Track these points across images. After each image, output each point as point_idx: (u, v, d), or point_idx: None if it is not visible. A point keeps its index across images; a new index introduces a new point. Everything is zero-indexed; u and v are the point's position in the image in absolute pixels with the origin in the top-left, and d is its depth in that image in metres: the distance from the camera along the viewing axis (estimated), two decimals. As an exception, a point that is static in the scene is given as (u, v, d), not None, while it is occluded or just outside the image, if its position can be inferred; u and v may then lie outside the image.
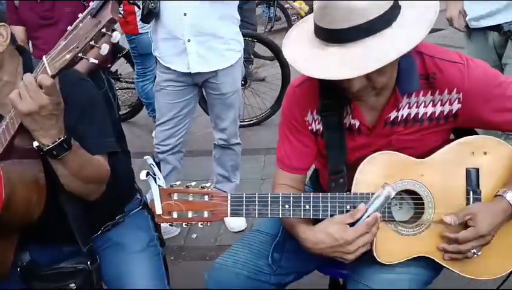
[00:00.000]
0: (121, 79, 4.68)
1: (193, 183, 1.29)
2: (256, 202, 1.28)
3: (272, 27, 6.40)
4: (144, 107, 4.32)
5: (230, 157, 2.78)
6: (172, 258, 2.68)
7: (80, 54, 1.07)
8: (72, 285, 1.44)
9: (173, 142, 2.60)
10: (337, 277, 1.75)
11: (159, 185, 1.28)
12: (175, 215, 1.29)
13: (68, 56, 1.08)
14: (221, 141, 2.70)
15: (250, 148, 3.73)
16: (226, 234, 2.82)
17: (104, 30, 1.04)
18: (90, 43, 1.05)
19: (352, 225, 1.25)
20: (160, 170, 1.48)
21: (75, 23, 1.07)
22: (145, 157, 1.30)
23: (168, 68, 2.46)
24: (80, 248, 1.44)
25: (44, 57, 1.12)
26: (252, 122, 4.24)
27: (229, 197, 1.28)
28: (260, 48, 5.33)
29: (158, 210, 1.28)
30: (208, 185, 1.29)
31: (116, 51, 2.77)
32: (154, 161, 1.31)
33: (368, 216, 1.25)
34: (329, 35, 1.14)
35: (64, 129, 1.21)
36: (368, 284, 1.34)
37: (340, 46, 1.13)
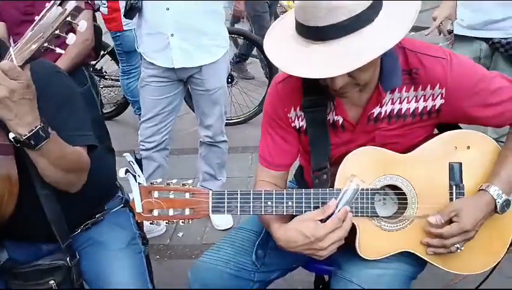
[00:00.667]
0: (106, 76, 4.65)
1: (174, 181, 1.27)
2: (238, 198, 1.27)
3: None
4: (130, 105, 4.29)
5: (216, 155, 2.76)
6: (158, 257, 2.66)
7: (46, 44, 1.05)
8: (52, 282, 1.41)
9: (158, 139, 2.58)
10: (322, 274, 1.74)
11: (139, 183, 1.26)
12: (156, 213, 1.27)
13: (34, 46, 1.05)
14: (206, 138, 2.68)
15: (237, 146, 3.72)
16: (212, 232, 2.81)
17: (69, 19, 1.02)
18: (56, 32, 1.03)
19: (325, 220, 1.23)
20: (141, 168, 1.45)
21: (42, 13, 1.04)
22: (124, 155, 1.27)
23: (152, 64, 2.44)
24: (59, 246, 1.41)
25: (11, 48, 1.10)
26: (239, 120, 4.22)
27: (210, 195, 1.26)
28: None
29: (138, 208, 1.26)
30: (189, 182, 1.27)
31: (99, 47, 2.72)
32: (135, 158, 1.28)
33: (339, 211, 1.23)
34: (311, 33, 1.12)
35: (40, 118, 1.17)
36: (351, 279, 1.33)
37: (322, 44, 1.11)
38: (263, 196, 1.28)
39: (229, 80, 4.15)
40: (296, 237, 1.24)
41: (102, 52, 4.41)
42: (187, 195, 1.26)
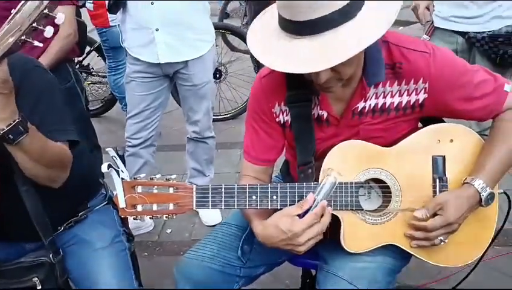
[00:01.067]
0: (93, 73, 4.61)
1: (158, 176, 1.26)
2: (223, 193, 1.26)
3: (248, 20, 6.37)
4: (118, 101, 4.26)
5: (204, 151, 2.75)
6: (146, 253, 2.65)
7: (23, 37, 1.03)
8: (35, 279, 1.40)
9: (145, 135, 2.56)
10: (308, 268, 1.74)
11: (122, 178, 1.25)
12: (139, 208, 1.26)
13: (11, 39, 1.03)
14: (194, 134, 2.67)
15: (226, 142, 3.71)
16: (200, 229, 2.80)
17: (46, 11, 1.00)
18: (33, 25, 1.01)
19: (303, 215, 1.23)
20: (124, 163, 1.44)
21: (18, 6, 1.02)
22: (107, 150, 1.26)
23: (137, 59, 2.42)
24: (42, 244, 1.39)
25: None
26: (227, 116, 4.22)
27: (194, 189, 1.25)
28: (235, 41, 5.31)
29: (121, 203, 1.25)
30: (173, 177, 1.26)
31: (83, 42, 2.69)
32: (117, 153, 1.27)
33: (317, 205, 1.23)
34: (294, 28, 1.11)
35: (18, 112, 1.16)
36: (337, 273, 1.33)
37: (305, 39, 1.10)
38: (247, 190, 1.27)
39: (217, 75, 4.14)
40: (274, 233, 1.24)
41: (88, 49, 4.39)
42: (171, 190, 1.25)
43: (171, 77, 2.51)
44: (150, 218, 1.27)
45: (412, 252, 1.34)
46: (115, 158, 1.26)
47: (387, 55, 1.28)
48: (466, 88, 1.29)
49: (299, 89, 1.33)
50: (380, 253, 1.34)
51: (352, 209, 1.31)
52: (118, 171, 1.24)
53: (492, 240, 1.37)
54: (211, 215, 2.78)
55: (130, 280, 1.53)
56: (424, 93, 1.29)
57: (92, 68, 4.60)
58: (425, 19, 2.35)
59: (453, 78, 1.28)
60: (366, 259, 1.34)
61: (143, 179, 1.26)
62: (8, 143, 1.17)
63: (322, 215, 1.23)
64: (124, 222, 1.68)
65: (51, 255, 1.41)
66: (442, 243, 1.29)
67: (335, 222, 1.32)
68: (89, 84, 4.61)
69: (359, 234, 1.32)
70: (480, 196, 1.27)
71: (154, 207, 1.25)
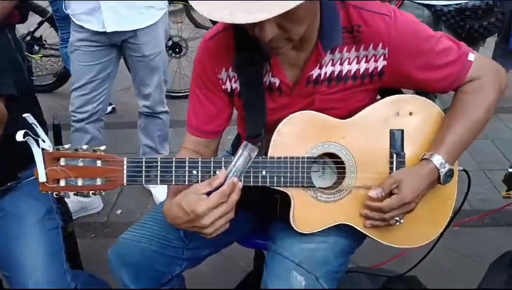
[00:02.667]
0: (45, 46, 4.35)
1: (84, 147, 1.11)
2: (159, 167, 1.13)
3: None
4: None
5: (157, 127, 2.60)
6: (94, 235, 2.51)
7: None
8: None
9: (91, 109, 2.38)
10: (259, 249, 1.64)
11: (42, 149, 1.09)
12: (62, 183, 1.10)
13: None
14: (145, 109, 2.51)
15: (184, 120, 3.55)
16: (153, 209, 2.66)
17: None
18: None
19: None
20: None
21: None
22: (24, 115, 1.09)
23: (82, 27, 2.22)
24: None
25: None
26: (187, 93, 4.05)
27: (125, 162, 1.11)
28: (200, 18, 5.12)
29: (41, 177, 1.10)
30: (102, 148, 1.11)
31: (25, 7, 2.47)
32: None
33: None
34: None
35: None
36: (284, 254, 1.23)
37: None
38: (187, 164, 1.14)
39: (177, 50, 3.97)
40: (178, 213, 1.10)
41: (40, 19, 4.13)
42: (98, 163, 1.10)
43: (119, 46, 2.33)
44: (74, 194, 1.12)
45: (365, 233, 1.24)
46: (35, 125, 1.10)
47: (345, 17, 1.17)
48: (427, 56, 1.19)
49: (248, 52, 1.20)
50: (332, 233, 1.24)
51: (303, 187, 1.20)
52: (37, 141, 1.08)
53: (451, 220, 1.30)
54: (164, 195, 2.63)
55: (59, 262, 1.40)
56: (383, 60, 1.19)
57: (45, 40, 4.34)
58: None
59: (414, 43, 1.18)
60: (317, 240, 1.24)
61: (67, 150, 1.10)
62: None
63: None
64: (60, 198, 1.54)
65: None
66: (398, 223, 1.20)
67: (284, 200, 1.21)
68: (40, 57, 4.34)
69: (310, 213, 1.21)
70: (438, 172, 1.18)
71: (79, 182, 1.10)
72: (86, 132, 2.42)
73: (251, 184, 1.17)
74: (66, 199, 2.39)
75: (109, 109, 3.79)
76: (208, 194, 1.08)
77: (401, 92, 1.32)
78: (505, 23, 2.45)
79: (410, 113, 1.25)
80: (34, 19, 3.97)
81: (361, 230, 1.24)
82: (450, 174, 1.20)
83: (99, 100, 2.38)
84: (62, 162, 1.10)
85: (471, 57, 1.22)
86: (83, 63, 2.29)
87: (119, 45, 2.31)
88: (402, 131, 1.24)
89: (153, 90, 2.42)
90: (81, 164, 1.10)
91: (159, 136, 2.62)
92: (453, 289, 1.95)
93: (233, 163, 1.10)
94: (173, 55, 4.02)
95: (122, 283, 1.32)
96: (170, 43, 3.95)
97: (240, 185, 1.09)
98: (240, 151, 1.10)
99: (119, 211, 2.67)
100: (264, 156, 1.19)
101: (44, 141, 1.11)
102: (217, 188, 1.07)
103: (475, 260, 2.22)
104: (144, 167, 1.12)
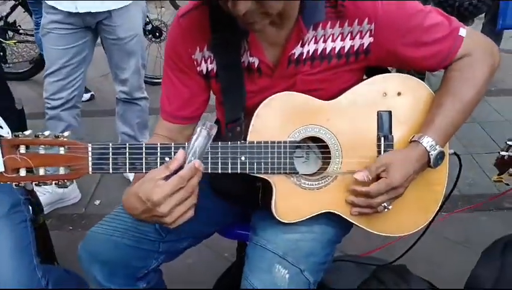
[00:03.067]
0: (20, 31, 4.19)
1: (46, 133, 1.02)
2: (127, 153, 1.04)
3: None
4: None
5: (135, 114, 2.49)
6: (71, 227, 2.41)
7: None
8: None
9: (66, 95, 2.27)
10: (242, 240, 1.57)
11: (0, 136, 1.00)
12: (22, 172, 1.01)
13: None
14: (123, 95, 2.40)
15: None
16: (133, 199, 2.57)
17: None
18: None
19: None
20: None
21: None
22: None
23: (53, 8, 2.10)
24: None
25: None
26: (168, 79, 3.95)
27: (89, 148, 1.02)
28: (183, 3, 4.98)
29: (0, 167, 1.00)
30: (65, 134, 1.02)
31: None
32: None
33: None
34: None
35: None
36: (266, 246, 1.16)
37: None
38: (159, 151, 1.05)
39: (157, 34, 3.85)
40: (135, 203, 0.99)
41: (13, 3, 3.97)
42: (61, 150, 1.01)
43: (94, 29, 2.21)
44: (34, 184, 1.02)
45: (352, 221, 1.17)
46: (-10, 111, 1.00)
47: None
48: (415, 32, 1.11)
49: (225, 31, 1.11)
50: (317, 222, 1.18)
51: (286, 173, 1.12)
52: (-6, 127, 0.99)
53: (441, 206, 1.23)
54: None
55: (28, 257, 1.30)
56: (369, 37, 1.11)
57: (19, 26, 4.18)
58: None
59: (402, 19, 1.10)
60: (302, 230, 1.17)
61: (27, 137, 1.01)
62: None
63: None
64: (29, 189, 1.44)
65: None
66: (386, 209, 1.13)
67: (266, 188, 1.13)
68: (15, 43, 4.18)
69: (293, 201, 1.14)
70: (428, 155, 1.11)
71: (41, 171, 1.01)
72: (60, 120, 2.31)
73: (229, 171, 1.09)
74: (43, 191, 2.31)
75: (87, 96, 3.67)
76: (168, 179, 0.96)
77: (387, 71, 1.25)
78: (493, 4, 2.40)
79: (399, 94, 1.18)
80: (6, 3, 3.81)
81: (347, 218, 1.17)
82: (440, 157, 1.13)
83: (75, 86, 2.27)
84: (22, 149, 1.00)
85: (463, 32, 1.14)
86: (56, 47, 2.17)
87: (93, 28, 2.20)
88: (390, 112, 1.17)
89: (130, 75, 2.32)
90: (42, 152, 1.01)
91: (138, 123, 2.52)
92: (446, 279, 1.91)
93: (192, 143, 0.99)
94: (153, 39, 3.89)
95: (96, 281, 1.24)
96: (150, 27, 3.82)
97: (202, 167, 0.98)
98: (197, 130, 0.99)
99: (97, 202, 2.57)
100: (243, 141, 1.11)
101: (2, 128, 1.01)
102: (176, 172, 0.96)
103: (466, 246, 2.18)
104: (110, 153, 1.03)
